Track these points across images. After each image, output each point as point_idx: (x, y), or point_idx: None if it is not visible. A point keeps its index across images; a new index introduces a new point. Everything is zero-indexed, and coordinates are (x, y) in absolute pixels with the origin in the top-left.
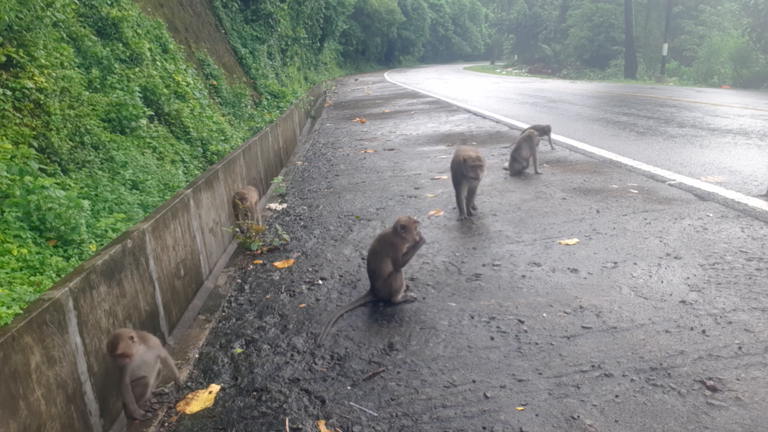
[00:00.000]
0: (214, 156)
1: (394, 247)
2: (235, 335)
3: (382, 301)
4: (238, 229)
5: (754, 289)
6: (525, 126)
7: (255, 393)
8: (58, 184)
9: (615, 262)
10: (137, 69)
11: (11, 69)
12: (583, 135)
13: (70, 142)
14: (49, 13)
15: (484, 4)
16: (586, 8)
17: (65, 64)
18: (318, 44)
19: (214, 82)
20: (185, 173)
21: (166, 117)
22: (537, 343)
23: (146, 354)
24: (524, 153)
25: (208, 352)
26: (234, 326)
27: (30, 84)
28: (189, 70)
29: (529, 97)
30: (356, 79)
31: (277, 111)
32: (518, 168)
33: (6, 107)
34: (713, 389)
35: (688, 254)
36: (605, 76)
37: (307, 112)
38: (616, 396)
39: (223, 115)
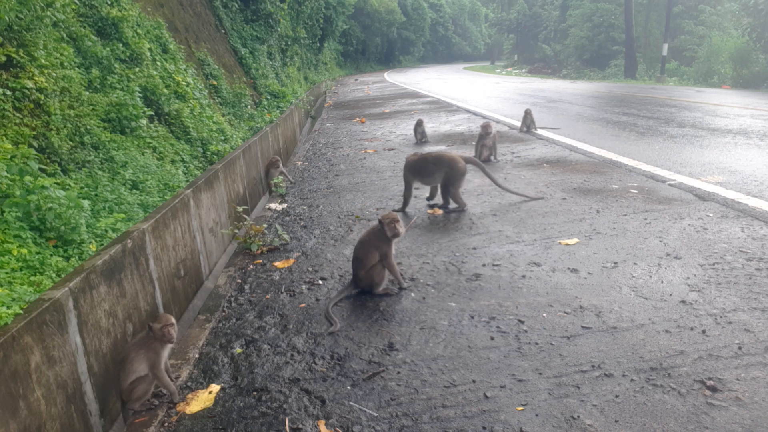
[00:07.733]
0: (214, 156)
1: (384, 241)
2: (235, 335)
3: (364, 291)
4: (237, 231)
5: (754, 289)
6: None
7: (255, 393)
8: (58, 184)
9: (615, 262)
10: (137, 69)
11: (11, 69)
12: (583, 135)
13: (70, 142)
14: (49, 13)
15: (484, 4)
16: (586, 8)
17: (65, 64)
18: (318, 44)
19: (214, 82)
20: (185, 173)
21: (166, 117)
22: (537, 343)
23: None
24: (488, 142)
25: (208, 352)
26: (234, 326)
27: (30, 84)
28: (189, 70)
29: (529, 97)
30: (356, 79)
31: (277, 111)
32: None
33: (6, 107)
34: (713, 389)
35: (688, 254)
36: (605, 76)
37: (307, 112)
38: (616, 396)
39: (223, 115)
